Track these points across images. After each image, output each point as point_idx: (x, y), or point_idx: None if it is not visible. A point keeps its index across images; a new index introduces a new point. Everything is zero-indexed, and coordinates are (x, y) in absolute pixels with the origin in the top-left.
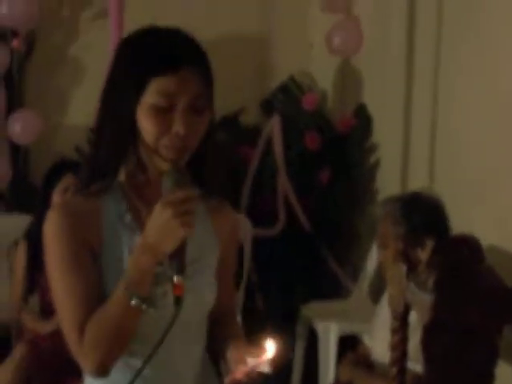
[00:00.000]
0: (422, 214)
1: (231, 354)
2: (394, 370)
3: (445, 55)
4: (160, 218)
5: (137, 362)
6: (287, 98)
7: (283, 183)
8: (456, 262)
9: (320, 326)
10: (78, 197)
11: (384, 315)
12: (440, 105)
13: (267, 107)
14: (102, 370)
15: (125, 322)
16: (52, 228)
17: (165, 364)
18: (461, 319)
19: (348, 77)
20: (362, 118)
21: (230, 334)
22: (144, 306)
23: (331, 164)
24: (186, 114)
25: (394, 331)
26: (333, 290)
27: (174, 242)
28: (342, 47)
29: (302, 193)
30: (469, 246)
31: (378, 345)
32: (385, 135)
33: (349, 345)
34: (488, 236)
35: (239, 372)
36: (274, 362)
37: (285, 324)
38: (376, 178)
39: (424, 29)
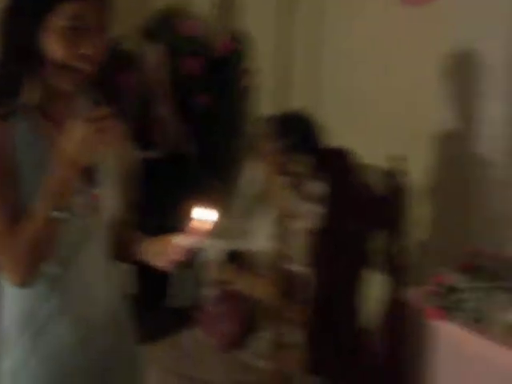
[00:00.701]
0: (297, 131)
1: (149, 247)
2: (278, 272)
3: None
4: (80, 133)
5: (49, 270)
6: (167, 25)
7: (165, 107)
8: (335, 173)
9: (206, 242)
10: None
11: (264, 223)
12: (319, 30)
13: (148, 35)
14: (27, 280)
15: (46, 232)
16: None
17: (78, 266)
18: (342, 227)
19: (226, 3)
20: (241, 43)
21: (136, 237)
22: (65, 217)
23: (211, 88)
24: (92, 35)
25: (277, 237)
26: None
27: (93, 155)
28: None
29: (183, 116)
30: (345, 157)
31: (260, 248)
32: (263, 59)
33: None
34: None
35: (175, 253)
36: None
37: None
38: (254, 100)
39: None
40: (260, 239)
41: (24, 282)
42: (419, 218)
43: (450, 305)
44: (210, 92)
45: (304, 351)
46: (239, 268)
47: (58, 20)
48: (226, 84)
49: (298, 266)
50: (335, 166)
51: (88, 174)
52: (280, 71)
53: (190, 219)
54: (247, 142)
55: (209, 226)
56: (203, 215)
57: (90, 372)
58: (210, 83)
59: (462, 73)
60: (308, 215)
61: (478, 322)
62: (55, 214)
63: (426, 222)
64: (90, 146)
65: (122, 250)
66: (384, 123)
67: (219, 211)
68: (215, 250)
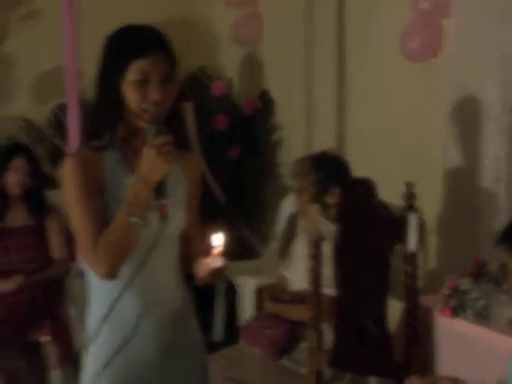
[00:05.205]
0: (328, 167)
1: (195, 264)
2: (312, 288)
3: (345, 42)
4: (148, 156)
5: (127, 270)
6: (197, 86)
7: (199, 162)
8: (355, 198)
9: (239, 281)
10: (85, 150)
11: (299, 251)
12: (341, 89)
13: (180, 96)
14: (111, 273)
15: (126, 235)
16: (69, 171)
17: (149, 272)
18: (360, 242)
19: (252, 65)
20: (266, 102)
21: (198, 251)
22: (141, 223)
23: (240, 142)
24: (157, 86)
25: (310, 257)
26: (244, 254)
27: (160, 173)
28: (246, 39)
29: (215, 169)
30: (365, 185)
31: (295, 275)
32: (286, 116)
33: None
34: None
35: (202, 272)
36: (224, 254)
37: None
38: (279, 153)
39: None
40: (295, 264)
41: (108, 273)
42: (434, 235)
43: (459, 304)
44: (239, 146)
45: (334, 353)
46: (274, 290)
47: (131, 75)
48: (252, 139)
49: (330, 288)
50: (357, 191)
51: (158, 189)
52: (302, 126)
53: (211, 245)
54: (275, 192)
55: (223, 249)
56: (219, 240)
57: (152, 344)
58: (239, 138)
59: (466, 117)
60: (334, 236)
61: (484, 318)
62: (132, 220)
63: (441, 238)
64: (157, 166)
65: (186, 261)
66: (400, 161)
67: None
68: (249, 285)
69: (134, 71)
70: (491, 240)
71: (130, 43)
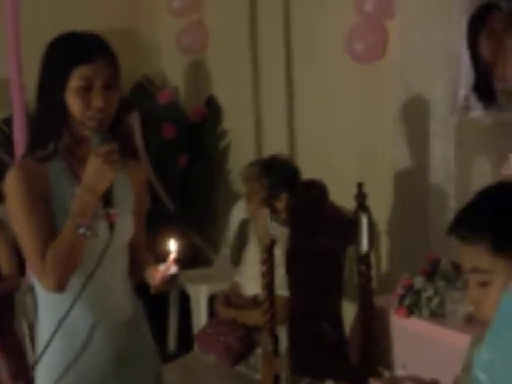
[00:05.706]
0: (278, 171)
1: (148, 272)
2: (265, 293)
3: (291, 46)
4: (94, 165)
5: (76, 282)
6: (143, 95)
7: (146, 170)
8: (307, 200)
9: (192, 289)
10: (29, 160)
11: (251, 256)
12: (289, 93)
13: (125, 104)
14: (60, 286)
15: (74, 246)
16: (12, 182)
17: (99, 282)
18: (312, 245)
19: (197, 73)
20: (213, 108)
21: (145, 259)
22: (88, 233)
23: (188, 150)
24: (100, 92)
25: (262, 262)
26: (196, 262)
27: (106, 182)
28: (191, 47)
29: (164, 177)
30: (317, 187)
31: (248, 280)
32: (234, 121)
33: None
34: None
35: (156, 279)
36: (178, 261)
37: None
38: (228, 159)
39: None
40: (247, 268)
41: (57, 286)
42: (385, 236)
43: (414, 303)
44: (187, 153)
45: (289, 358)
46: (226, 297)
47: (73, 82)
48: (200, 145)
49: (283, 290)
50: (308, 193)
51: (105, 198)
52: (252, 131)
53: (165, 251)
54: (225, 198)
55: (177, 255)
56: (172, 247)
57: (105, 353)
58: (186, 145)
59: (414, 117)
60: (285, 239)
61: (440, 316)
62: (79, 230)
63: (393, 238)
64: (102, 175)
65: (134, 269)
66: (350, 163)
67: (183, 243)
68: (202, 293)
69: (76, 78)
70: (442, 237)
71: (72, 50)
